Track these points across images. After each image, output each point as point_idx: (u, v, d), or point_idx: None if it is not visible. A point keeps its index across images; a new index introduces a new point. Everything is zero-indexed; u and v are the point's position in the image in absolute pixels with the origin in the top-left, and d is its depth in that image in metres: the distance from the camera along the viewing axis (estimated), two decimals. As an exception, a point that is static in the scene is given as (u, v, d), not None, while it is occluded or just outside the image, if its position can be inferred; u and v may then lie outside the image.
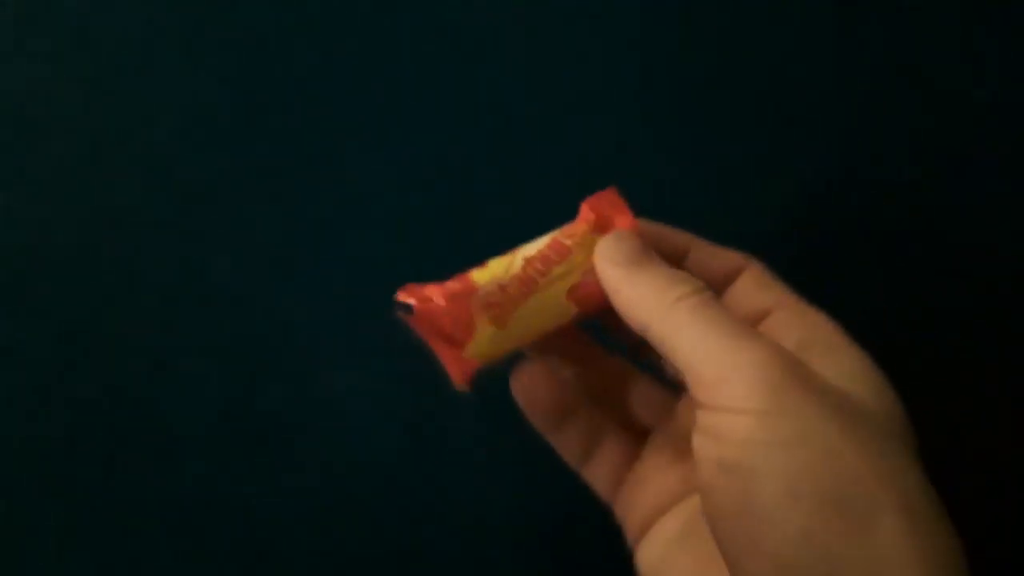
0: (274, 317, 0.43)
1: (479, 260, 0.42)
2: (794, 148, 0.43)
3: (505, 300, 0.31)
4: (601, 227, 0.32)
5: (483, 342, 0.31)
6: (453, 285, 0.31)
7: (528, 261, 0.32)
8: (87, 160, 0.43)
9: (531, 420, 0.34)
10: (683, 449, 0.33)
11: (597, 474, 0.35)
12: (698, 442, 0.27)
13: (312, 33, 0.44)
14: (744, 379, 0.26)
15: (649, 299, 0.29)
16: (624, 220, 0.32)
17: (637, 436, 0.35)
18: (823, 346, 0.29)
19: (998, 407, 0.42)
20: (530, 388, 0.34)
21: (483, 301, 0.31)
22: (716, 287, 0.32)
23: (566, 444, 0.34)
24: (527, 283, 0.31)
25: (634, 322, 0.29)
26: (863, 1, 0.43)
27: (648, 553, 0.33)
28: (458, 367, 0.31)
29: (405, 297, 0.31)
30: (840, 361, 0.28)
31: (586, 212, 0.33)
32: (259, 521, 0.42)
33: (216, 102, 0.43)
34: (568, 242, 0.32)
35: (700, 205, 0.43)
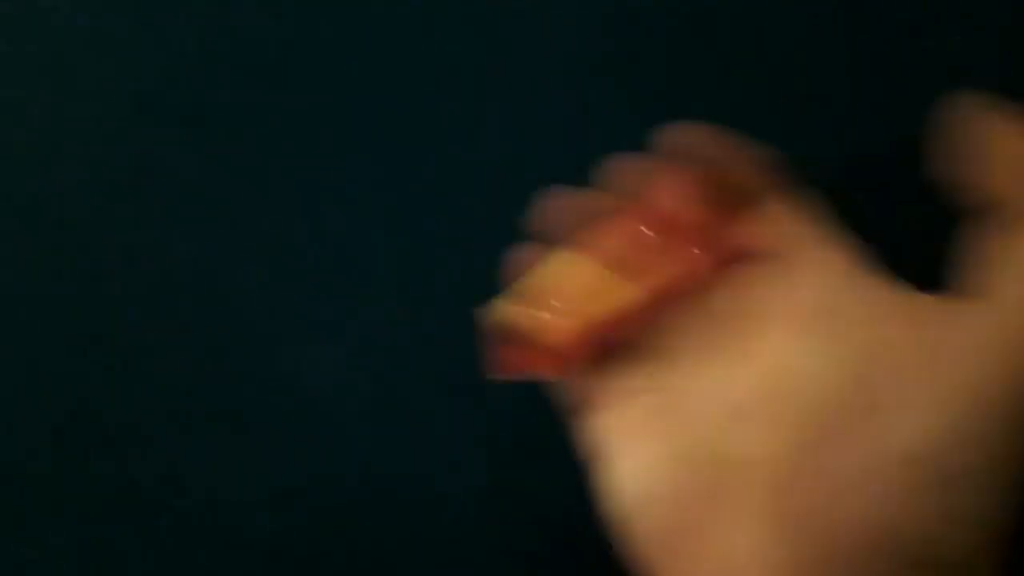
0: (231, 296, 0.42)
1: (445, 241, 0.42)
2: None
3: None
4: None
5: None
6: None
7: None
8: (28, 135, 0.43)
9: None
10: None
11: None
12: None
13: (301, 24, 0.43)
14: None
15: None
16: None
17: None
18: None
19: None
20: None
21: None
22: None
23: None
24: None
25: None
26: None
27: None
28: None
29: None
30: None
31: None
32: (223, 504, 0.42)
33: (163, 68, 0.43)
34: None
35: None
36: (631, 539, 0.28)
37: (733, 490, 0.25)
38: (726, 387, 0.28)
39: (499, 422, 0.42)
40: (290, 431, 0.42)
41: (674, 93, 0.43)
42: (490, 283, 0.41)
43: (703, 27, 0.43)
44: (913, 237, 0.42)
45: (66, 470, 0.42)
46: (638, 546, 0.28)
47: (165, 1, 0.43)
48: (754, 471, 0.25)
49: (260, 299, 0.42)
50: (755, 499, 0.25)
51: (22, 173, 0.42)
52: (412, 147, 0.43)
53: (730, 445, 0.26)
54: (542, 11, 0.42)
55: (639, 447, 0.28)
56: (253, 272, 0.42)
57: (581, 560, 0.41)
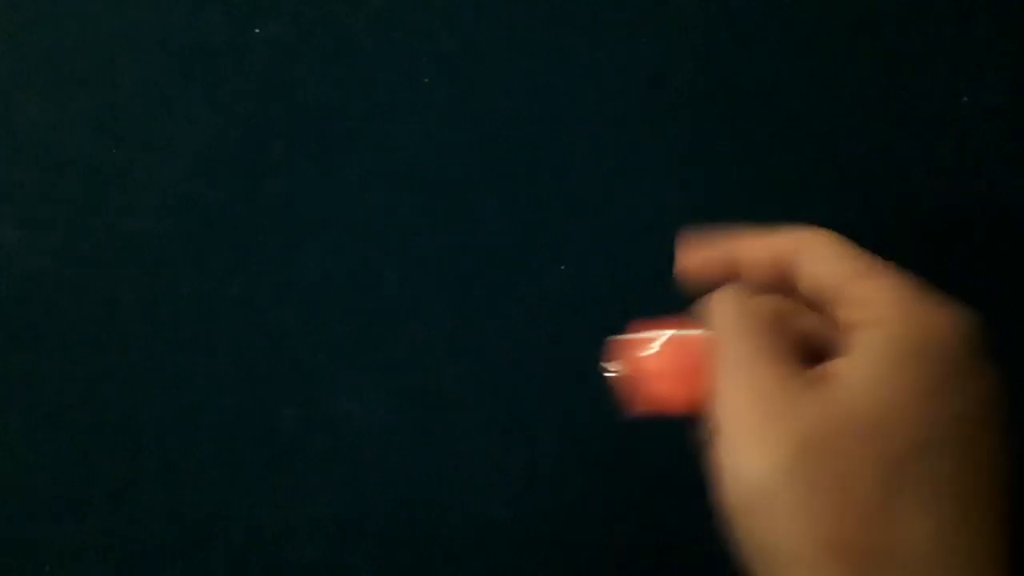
0: (284, 340, 0.44)
1: (484, 284, 0.43)
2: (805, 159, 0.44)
3: None
4: None
5: None
6: None
7: None
8: (99, 188, 0.45)
9: None
10: None
11: None
12: None
13: (316, 67, 0.46)
14: None
15: None
16: None
17: None
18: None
19: None
20: None
21: None
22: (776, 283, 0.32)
23: None
24: None
25: None
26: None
27: None
28: None
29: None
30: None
31: None
32: (267, 534, 0.43)
33: (223, 130, 0.45)
34: None
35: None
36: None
37: None
38: None
39: (539, 457, 0.42)
40: (333, 464, 0.43)
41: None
42: (531, 329, 0.42)
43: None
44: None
45: (114, 504, 0.43)
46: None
47: (220, 70, 0.46)
48: None
49: (305, 339, 0.44)
50: None
51: (83, 227, 0.45)
52: (456, 203, 0.45)
53: None
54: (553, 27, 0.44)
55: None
56: (299, 314, 0.44)
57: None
